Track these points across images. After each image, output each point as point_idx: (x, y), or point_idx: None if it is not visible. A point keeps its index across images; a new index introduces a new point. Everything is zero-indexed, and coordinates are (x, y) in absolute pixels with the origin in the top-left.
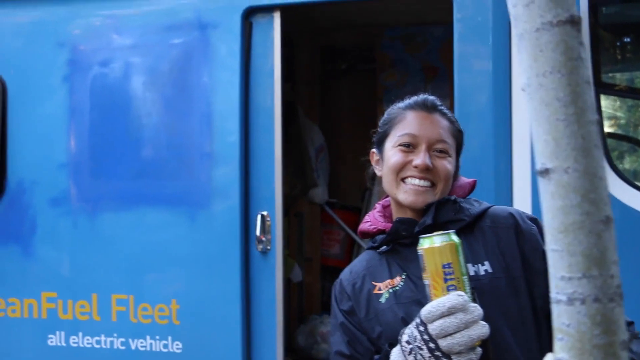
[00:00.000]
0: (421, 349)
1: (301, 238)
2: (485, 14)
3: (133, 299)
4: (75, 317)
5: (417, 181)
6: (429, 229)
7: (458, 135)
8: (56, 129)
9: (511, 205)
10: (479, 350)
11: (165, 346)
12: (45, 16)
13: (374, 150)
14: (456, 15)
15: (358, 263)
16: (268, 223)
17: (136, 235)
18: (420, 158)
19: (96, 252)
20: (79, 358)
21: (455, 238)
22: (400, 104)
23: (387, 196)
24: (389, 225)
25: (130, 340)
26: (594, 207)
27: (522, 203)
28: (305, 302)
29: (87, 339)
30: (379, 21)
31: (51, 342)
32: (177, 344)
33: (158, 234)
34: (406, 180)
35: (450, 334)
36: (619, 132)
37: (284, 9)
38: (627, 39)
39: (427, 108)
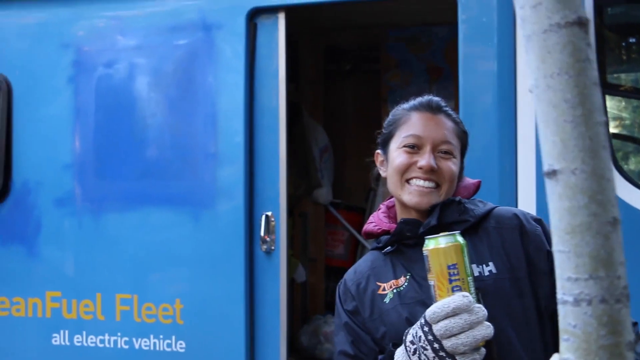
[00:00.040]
0: (425, 349)
1: (305, 238)
2: (490, 14)
3: (137, 298)
4: (80, 316)
5: (421, 182)
6: (434, 230)
7: (463, 136)
8: (61, 130)
9: (516, 206)
10: (483, 350)
11: (169, 345)
12: (50, 18)
13: (378, 151)
14: (461, 16)
15: (362, 263)
16: (272, 223)
17: (141, 235)
18: (425, 159)
19: (101, 252)
20: (82, 357)
21: (460, 239)
22: (405, 105)
23: (392, 197)
24: (394, 225)
25: (134, 340)
26: (601, 208)
27: (526, 204)
28: (309, 302)
29: (91, 338)
30: (384, 22)
31: (55, 341)
32: (181, 344)
33: (162, 234)
34: (411, 181)
35: (454, 335)
36: (624, 132)
37: (289, 10)
38: (631, 40)
39: (432, 109)
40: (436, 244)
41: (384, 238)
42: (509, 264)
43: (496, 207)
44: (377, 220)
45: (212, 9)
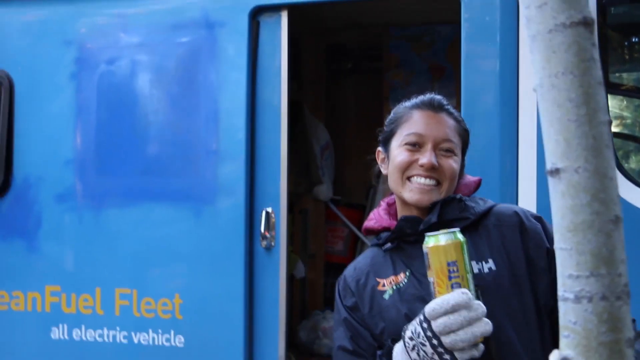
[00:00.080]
0: (424, 345)
1: (305, 235)
2: (493, 14)
3: (137, 293)
4: (79, 310)
5: (422, 180)
6: (434, 227)
7: (464, 134)
8: (62, 126)
9: (516, 204)
10: (482, 347)
11: (168, 340)
12: (52, 14)
13: (379, 148)
14: (464, 15)
15: (362, 259)
16: (273, 220)
17: (141, 231)
18: (426, 157)
19: (101, 247)
20: (81, 351)
21: (460, 236)
22: (407, 103)
23: (392, 194)
24: (394, 222)
25: (133, 334)
26: (603, 206)
27: (527, 202)
28: (308, 297)
29: (90, 333)
30: (386, 20)
31: (54, 335)
32: (180, 338)
33: (163, 230)
34: (412, 179)
35: (453, 331)
36: (625, 131)
37: (291, 8)
38: (634, 39)
39: (434, 107)
40: (436, 241)
41: (384, 235)
42: (508, 261)
43: (497, 204)
44: (377, 217)
45: (214, 7)
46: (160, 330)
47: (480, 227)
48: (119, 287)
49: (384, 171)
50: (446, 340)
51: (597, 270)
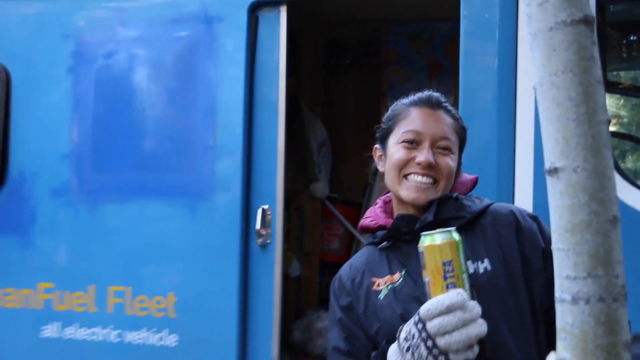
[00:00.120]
0: (419, 346)
1: (301, 232)
2: (493, 10)
3: (131, 290)
4: (71, 308)
5: (419, 178)
6: (430, 226)
7: (461, 132)
8: (59, 120)
9: (513, 203)
10: (476, 348)
11: (161, 339)
12: (50, 7)
13: (377, 146)
14: (463, 12)
15: (358, 258)
16: (269, 217)
17: (137, 227)
18: (423, 155)
19: (96, 243)
20: (73, 349)
21: (455, 236)
22: (405, 100)
23: (389, 192)
24: (390, 221)
25: (126, 333)
26: (601, 206)
27: (524, 201)
28: (303, 296)
29: (83, 330)
30: (384, 16)
31: (46, 332)
32: (174, 337)
33: (158, 226)
34: (409, 176)
35: (448, 332)
36: (622, 130)
37: (290, 3)
38: (632, 38)
39: (432, 105)
40: (431, 241)
41: (380, 233)
42: (504, 260)
43: (493, 203)
44: (373, 215)
45: (213, 2)
46: (154, 329)
47: (476, 226)
48: (113, 284)
49: (380, 169)
50: (441, 341)
51: (595, 271)
